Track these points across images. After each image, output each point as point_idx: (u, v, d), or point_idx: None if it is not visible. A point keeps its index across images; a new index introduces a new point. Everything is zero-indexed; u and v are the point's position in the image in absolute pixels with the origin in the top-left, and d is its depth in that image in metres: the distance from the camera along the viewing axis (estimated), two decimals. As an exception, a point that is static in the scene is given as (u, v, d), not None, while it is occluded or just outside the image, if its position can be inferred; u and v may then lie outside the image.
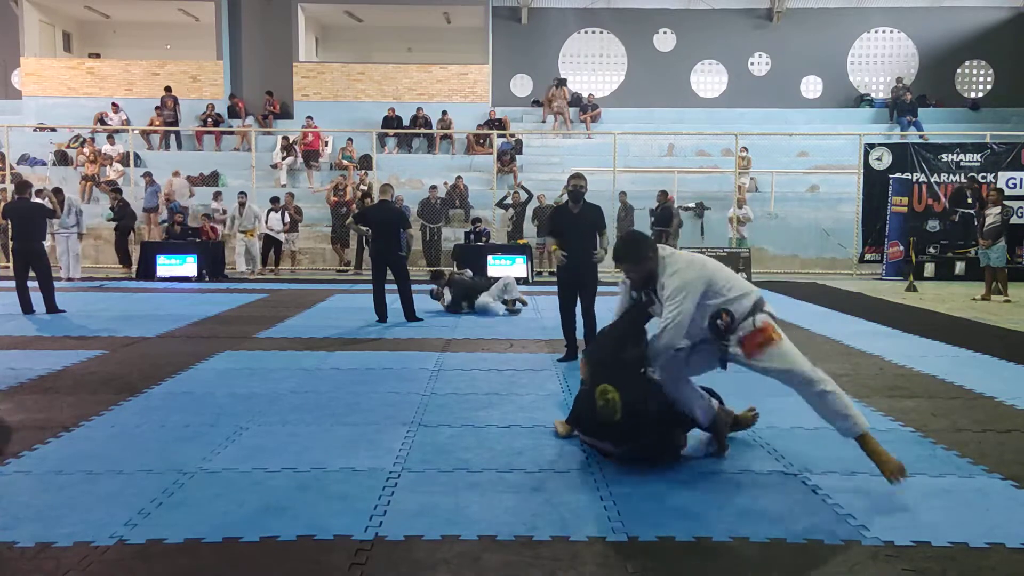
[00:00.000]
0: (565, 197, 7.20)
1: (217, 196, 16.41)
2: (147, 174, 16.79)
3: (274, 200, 15.53)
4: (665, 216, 14.43)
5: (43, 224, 9.81)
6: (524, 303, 10.03)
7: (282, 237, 15.36)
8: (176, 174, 16.97)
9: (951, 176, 15.16)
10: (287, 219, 15.32)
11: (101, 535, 3.06)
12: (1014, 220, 13.92)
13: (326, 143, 19.33)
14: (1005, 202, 11.76)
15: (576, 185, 6.62)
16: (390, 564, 2.86)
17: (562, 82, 20.59)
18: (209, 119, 19.90)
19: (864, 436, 3.61)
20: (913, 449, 4.23)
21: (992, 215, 11.48)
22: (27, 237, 9.40)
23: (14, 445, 4.19)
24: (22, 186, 9.80)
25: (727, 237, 15.41)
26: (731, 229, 15.35)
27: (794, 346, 3.77)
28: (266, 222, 15.23)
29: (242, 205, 14.82)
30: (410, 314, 8.90)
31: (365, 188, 15.94)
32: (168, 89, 20.07)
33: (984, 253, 11.54)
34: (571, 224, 6.66)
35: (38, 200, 10.86)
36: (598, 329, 5.51)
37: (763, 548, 3.01)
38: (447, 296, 9.85)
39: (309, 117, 19.48)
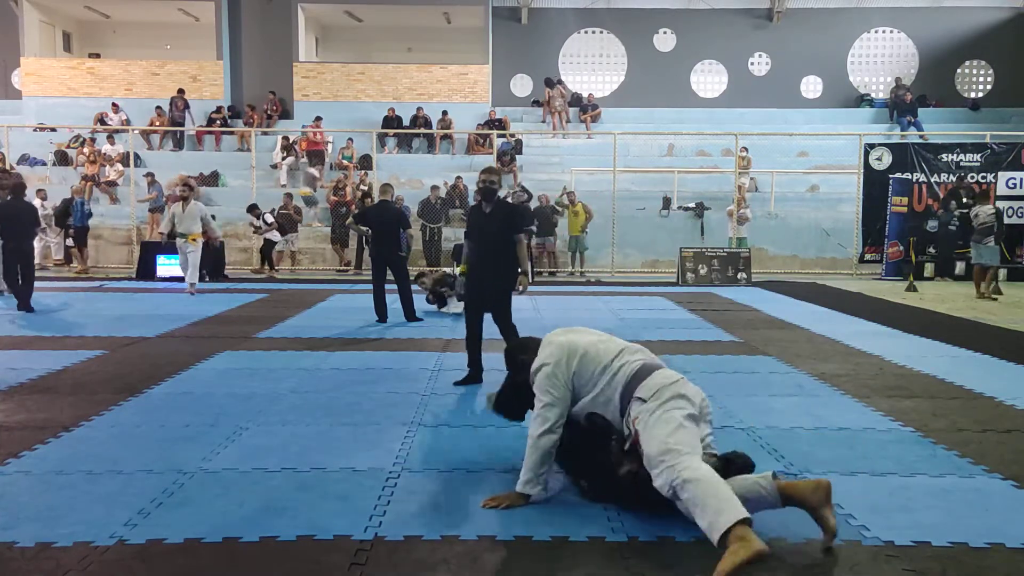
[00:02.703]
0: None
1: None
2: (149, 174, 16.78)
3: (251, 208, 14.81)
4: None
5: (32, 225, 9.85)
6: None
7: (275, 236, 15.04)
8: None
9: (951, 176, 15.16)
10: (270, 220, 14.87)
11: (101, 535, 3.06)
12: (1015, 220, 13.94)
13: (327, 143, 19.31)
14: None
15: (486, 181, 5.69)
16: (390, 564, 2.86)
17: (551, 82, 20.46)
18: (217, 120, 19.90)
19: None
20: (913, 449, 4.23)
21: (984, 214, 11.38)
22: (20, 237, 9.47)
23: (14, 445, 4.19)
24: (18, 187, 9.83)
25: (727, 237, 15.41)
26: (731, 228, 15.35)
27: None
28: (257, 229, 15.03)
29: (184, 200, 11.67)
30: (410, 314, 8.90)
31: (365, 188, 15.93)
32: (181, 91, 20.08)
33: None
34: (481, 226, 5.74)
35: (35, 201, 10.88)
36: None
37: (763, 548, 3.00)
38: (455, 304, 9.41)
39: (319, 118, 19.40)
